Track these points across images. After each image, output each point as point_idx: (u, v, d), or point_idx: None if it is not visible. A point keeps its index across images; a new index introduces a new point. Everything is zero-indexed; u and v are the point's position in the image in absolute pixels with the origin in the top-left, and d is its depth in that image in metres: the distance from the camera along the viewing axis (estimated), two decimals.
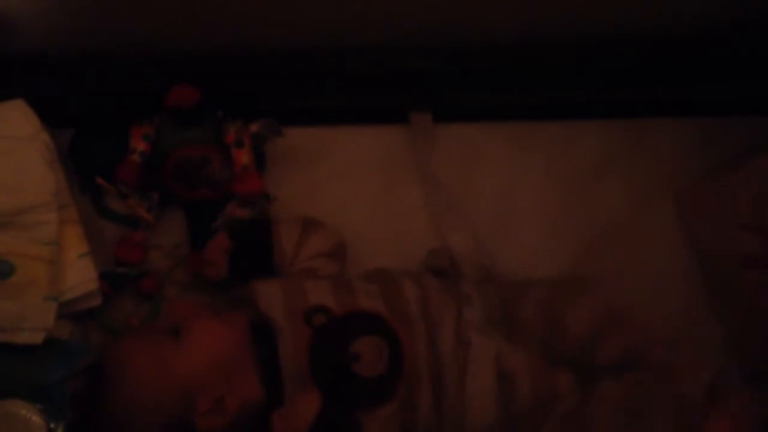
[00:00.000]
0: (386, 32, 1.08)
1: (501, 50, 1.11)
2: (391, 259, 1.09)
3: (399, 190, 1.16)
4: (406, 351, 0.94)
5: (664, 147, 1.18)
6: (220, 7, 1.02)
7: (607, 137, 1.19)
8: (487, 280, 1.05)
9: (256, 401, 0.93)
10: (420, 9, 1.04)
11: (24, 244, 0.97)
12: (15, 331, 0.93)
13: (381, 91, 1.16)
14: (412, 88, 1.16)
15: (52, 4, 1.00)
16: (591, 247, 1.14)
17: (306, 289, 0.98)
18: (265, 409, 0.92)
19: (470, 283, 1.03)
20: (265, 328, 0.96)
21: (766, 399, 0.97)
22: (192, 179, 1.07)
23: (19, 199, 0.98)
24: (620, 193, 1.17)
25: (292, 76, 1.12)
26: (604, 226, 1.16)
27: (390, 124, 1.18)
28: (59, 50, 1.06)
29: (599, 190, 1.17)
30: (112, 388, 0.92)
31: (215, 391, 0.91)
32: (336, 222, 1.08)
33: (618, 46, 1.10)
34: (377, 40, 1.09)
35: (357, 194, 1.15)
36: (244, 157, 1.08)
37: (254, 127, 1.09)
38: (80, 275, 1.00)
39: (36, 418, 0.90)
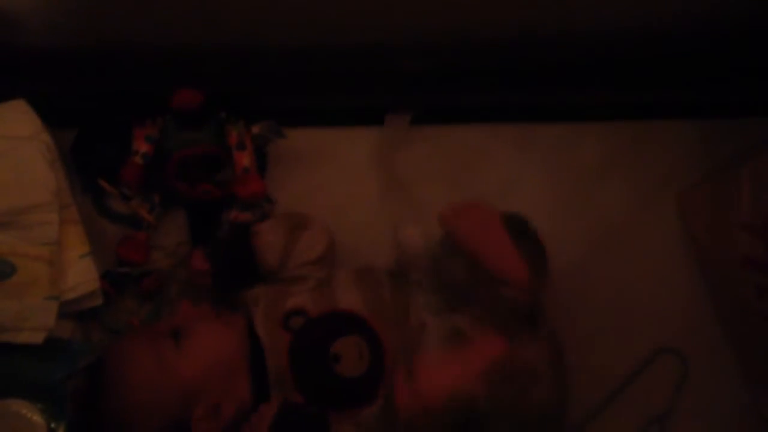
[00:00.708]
0: (388, 33, 1.08)
1: (502, 51, 1.11)
2: (390, 259, 1.08)
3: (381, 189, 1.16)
4: (387, 350, 0.94)
5: (665, 149, 1.19)
6: (222, 7, 1.02)
7: (608, 139, 1.19)
8: (438, 269, 1.04)
9: (248, 405, 0.93)
10: (428, 8, 1.04)
11: (25, 245, 0.97)
12: (16, 331, 0.93)
13: (382, 93, 1.16)
14: (410, 88, 1.16)
15: (54, 3, 1.00)
16: (592, 248, 1.14)
17: (286, 293, 0.98)
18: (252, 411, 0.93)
19: (420, 271, 1.02)
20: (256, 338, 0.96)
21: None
22: (197, 176, 1.08)
23: (19, 199, 0.98)
24: (621, 194, 1.18)
25: (294, 78, 1.13)
26: (605, 227, 1.16)
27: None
28: (61, 49, 1.06)
29: (600, 192, 1.18)
30: (112, 388, 0.93)
31: (212, 397, 0.92)
32: (336, 223, 1.07)
33: (619, 48, 1.10)
34: (380, 40, 1.09)
35: (358, 195, 1.15)
36: (245, 159, 1.08)
37: (256, 129, 1.09)
38: (81, 275, 1.00)
39: (37, 418, 0.89)
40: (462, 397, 0.90)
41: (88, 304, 1.01)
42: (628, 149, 1.19)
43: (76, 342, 1.00)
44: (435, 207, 1.13)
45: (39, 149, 1.01)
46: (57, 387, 0.91)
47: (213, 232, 1.09)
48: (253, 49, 1.08)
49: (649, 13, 1.06)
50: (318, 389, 0.93)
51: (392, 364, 0.94)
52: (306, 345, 0.94)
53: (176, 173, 1.07)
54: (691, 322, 1.14)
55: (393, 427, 0.94)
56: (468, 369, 0.91)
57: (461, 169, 1.18)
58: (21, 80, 1.07)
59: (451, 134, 1.19)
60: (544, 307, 0.99)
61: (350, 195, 1.15)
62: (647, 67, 1.13)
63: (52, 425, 0.90)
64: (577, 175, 1.18)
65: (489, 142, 1.19)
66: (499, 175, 1.18)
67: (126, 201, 1.08)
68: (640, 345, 1.13)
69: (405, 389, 0.91)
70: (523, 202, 1.15)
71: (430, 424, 0.91)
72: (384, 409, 0.93)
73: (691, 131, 1.19)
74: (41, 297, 0.96)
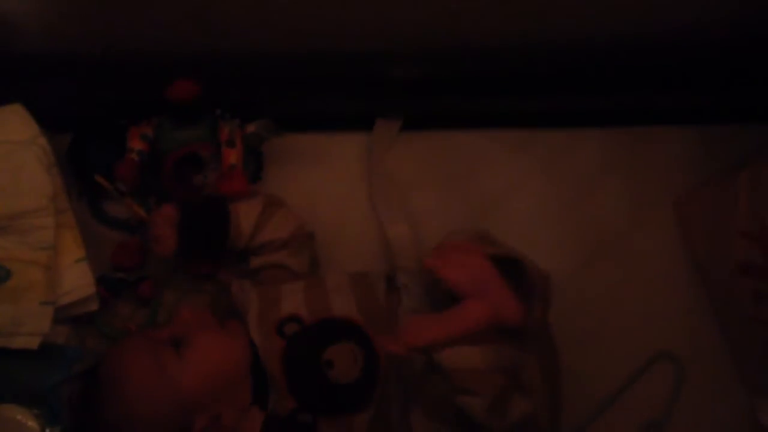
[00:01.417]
0: (385, 39, 1.08)
1: (499, 58, 1.11)
2: (383, 262, 1.09)
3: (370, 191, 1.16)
4: (382, 356, 0.94)
5: (663, 154, 1.19)
6: (218, 13, 1.02)
7: (606, 145, 1.19)
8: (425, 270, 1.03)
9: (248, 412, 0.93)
10: (424, 16, 1.04)
11: (20, 249, 0.97)
12: (11, 336, 0.93)
13: (379, 98, 1.16)
14: (408, 94, 1.15)
15: (51, 8, 1.00)
16: (590, 254, 1.14)
17: (280, 297, 0.98)
18: None
19: (407, 274, 1.02)
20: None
21: None
22: (191, 179, 1.07)
23: (15, 204, 0.98)
24: (619, 200, 1.17)
25: (290, 82, 1.12)
26: (603, 232, 1.16)
27: None
28: (58, 54, 1.06)
29: (598, 197, 1.17)
30: (109, 396, 0.91)
31: (213, 409, 0.91)
32: (332, 226, 1.08)
33: (617, 53, 1.10)
34: (376, 46, 1.09)
35: (349, 199, 1.15)
36: (232, 156, 1.07)
37: (251, 127, 1.08)
38: (77, 280, 1.00)
39: (32, 423, 0.89)
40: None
41: (84, 309, 1.01)
42: (626, 155, 1.19)
43: (71, 347, 0.99)
44: (431, 213, 1.15)
45: (36, 154, 1.01)
46: (52, 392, 0.91)
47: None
48: (247, 55, 1.08)
49: (647, 20, 1.06)
50: (311, 395, 0.93)
51: (386, 370, 0.93)
52: (299, 351, 0.93)
53: (172, 177, 1.07)
54: (688, 327, 1.13)
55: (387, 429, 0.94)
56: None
57: (458, 175, 1.18)
58: (17, 85, 1.06)
59: (448, 140, 1.19)
60: (537, 327, 0.97)
61: (342, 199, 1.15)
62: (645, 73, 1.13)
63: (48, 430, 0.89)
64: (574, 181, 1.18)
65: (486, 148, 1.18)
66: (497, 181, 1.18)
67: (120, 198, 1.07)
68: (637, 350, 1.12)
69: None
70: (520, 208, 1.16)
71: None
72: (376, 417, 0.93)
73: (689, 137, 1.19)
74: (37, 302, 0.95)
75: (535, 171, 1.18)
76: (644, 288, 1.14)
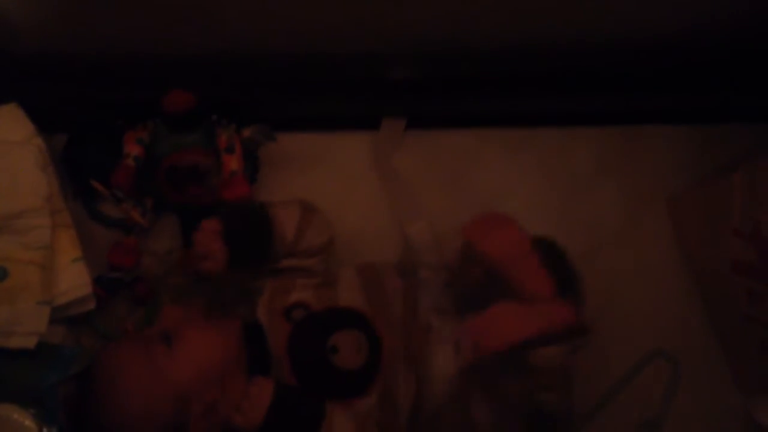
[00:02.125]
0: (381, 40, 1.09)
1: (495, 57, 1.11)
2: (387, 259, 1.09)
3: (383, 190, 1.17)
4: (386, 345, 0.95)
5: (657, 154, 1.19)
6: (215, 14, 1.02)
7: (601, 144, 1.20)
8: (446, 267, 1.05)
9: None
10: (422, 17, 1.04)
11: (17, 249, 0.97)
12: (8, 336, 0.93)
13: (375, 99, 1.16)
14: (406, 94, 1.16)
15: (46, 9, 1.00)
16: (584, 252, 1.14)
17: (291, 287, 0.99)
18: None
19: (428, 270, 1.03)
20: (257, 327, 0.97)
21: None
22: (186, 184, 1.07)
23: (11, 204, 0.98)
24: (613, 199, 1.18)
25: (286, 83, 1.12)
26: (597, 232, 1.16)
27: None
28: (53, 55, 1.06)
29: (592, 197, 1.18)
30: (104, 395, 0.92)
31: (208, 396, 0.91)
32: (335, 225, 1.08)
33: (611, 53, 1.11)
34: (371, 47, 1.09)
35: (350, 200, 1.16)
36: (233, 162, 1.08)
37: (247, 132, 1.09)
38: (73, 280, 1.00)
39: (29, 423, 0.89)
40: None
41: (81, 308, 1.01)
42: (620, 154, 1.19)
43: (68, 347, 0.99)
44: (428, 211, 1.14)
45: (31, 153, 1.00)
46: (49, 392, 0.91)
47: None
48: (246, 56, 1.08)
49: (642, 21, 1.06)
50: (314, 378, 0.94)
51: (390, 359, 0.95)
52: (306, 335, 0.95)
53: (167, 181, 1.07)
54: (682, 326, 1.14)
55: (392, 418, 0.95)
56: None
57: (454, 173, 1.18)
58: (12, 85, 1.06)
59: (444, 139, 1.19)
60: None
61: (343, 199, 1.15)
62: (640, 73, 1.13)
63: (44, 430, 0.89)
64: (569, 180, 1.18)
65: (481, 147, 1.19)
66: (492, 180, 1.18)
67: (118, 203, 1.07)
68: (632, 349, 1.13)
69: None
70: (515, 207, 1.16)
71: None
72: (379, 405, 0.94)
73: (683, 137, 1.19)
74: (33, 301, 0.95)
75: (530, 170, 1.18)
76: (638, 287, 1.15)
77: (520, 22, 1.06)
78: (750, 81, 1.13)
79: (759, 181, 1.03)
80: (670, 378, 1.13)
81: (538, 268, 0.93)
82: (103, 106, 1.11)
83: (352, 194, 1.16)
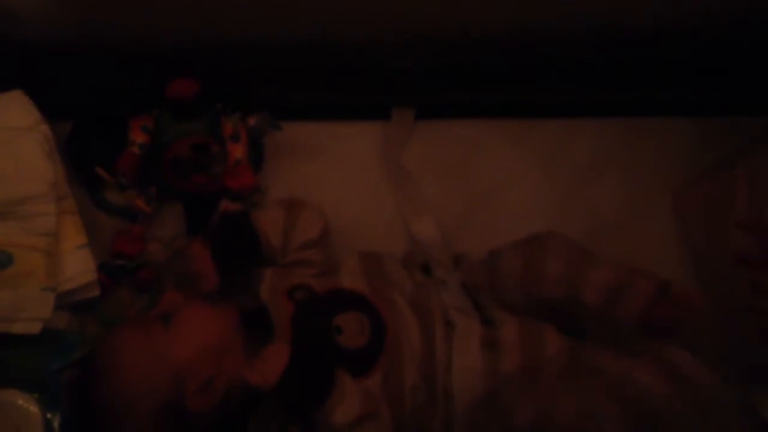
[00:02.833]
0: (385, 28, 1.09)
1: (498, 47, 1.11)
2: (386, 252, 1.08)
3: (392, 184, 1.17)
4: (389, 327, 0.96)
5: (661, 146, 1.19)
6: (221, 1, 1.02)
7: (604, 136, 1.20)
8: (458, 264, 1.07)
9: (244, 382, 0.93)
10: (426, 5, 1.04)
11: (22, 235, 0.98)
12: (12, 321, 0.93)
13: (378, 88, 1.16)
14: (408, 84, 1.16)
15: None
16: (587, 244, 1.14)
17: (293, 273, 1.01)
18: (253, 390, 0.93)
19: (443, 269, 1.05)
20: (259, 316, 0.98)
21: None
22: (190, 171, 1.07)
23: (17, 190, 0.98)
24: (616, 191, 1.18)
25: (290, 71, 1.13)
26: (600, 223, 1.16)
27: (386, 120, 1.19)
28: (58, 42, 1.06)
29: (595, 188, 1.18)
30: (104, 376, 0.93)
31: (204, 372, 0.92)
32: (332, 215, 1.08)
33: (615, 45, 1.11)
34: (377, 36, 1.09)
35: (353, 188, 1.16)
36: (238, 151, 1.08)
37: (252, 121, 1.09)
38: (78, 266, 1.00)
39: (33, 408, 0.89)
40: None
41: (85, 295, 1.01)
42: (624, 146, 1.19)
43: (72, 333, 1.00)
44: (430, 202, 1.14)
45: (37, 140, 1.01)
46: (53, 378, 0.91)
47: (209, 223, 1.09)
48: (250, 43, 1.08)
49: (645, 11, 1.06)
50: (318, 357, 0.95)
51: (393, 341, 0.96)
52: (309, 316, 0.96)
53: (170, 166, 1.07)
54: None
55: (398, 397, 0.95)
56: None
57: (456, 164, 1.18)
58: (17, 73, 1.06)
59: (447, 130, 1.20)
60: None
61: (347, 188, 1.16)
62: (644, 64, 1.14)
63: (48, 415, 0.90)
64: (571, 172, 1.18)
65: (484, 138, 1.19)
66: (495, 171, 1.18)
67: (122, 191, 1.07)
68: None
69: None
70: (518, 198, 1.17)
71: None
72: (383, 385, 0.95)
73: (687, 129, 1.19)
74: (38, 287, 0.96)
75: (532, 161, 1.18)
76: None
77: (520, 11, 1.06)
78: (754, 73, 1.13)
79: (762, 174, 1.03)
80: None
81: None
82: (108, 94, 1.11)
83: (356, 184, 1.16)
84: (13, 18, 1.03)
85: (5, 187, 0.98)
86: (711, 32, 1.09)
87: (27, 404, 0.90)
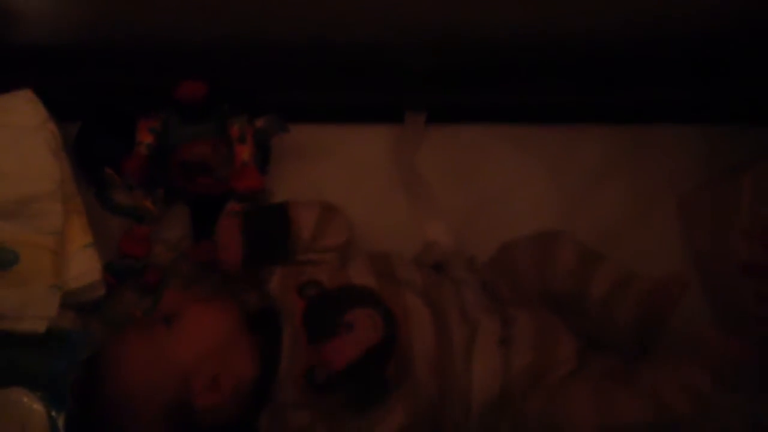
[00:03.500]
0: (394, 31, 1.09)
1: (504, 52, 1.11)
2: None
3: (401, 186, 1.17)
4: (400, 323, 0.96)
5: (666, 153, 1.19)
6: (229, 1, 1.02)
7: (610, 142, 1.19)
8: (472, 265, 1.08)
9: (251, 380, 0.94)
10: (433, 7, 1.04)
11: (28, 233, 0.98)
12: (18, 320, 0.93)
13: (386, 90, 1.16)
14: (414, 87, 1.16)
15: None
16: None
17: (303, 271, 1.01)
18: (259, 387, 0.94)
19: (460, 270, 1.05)
20: (266, 314, 0.98)
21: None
22: (197, 173, 1.08)
23: (24, 189, 0.98)
24: (622, 198, 1.18)
25: (298, 73, 1.13)
26: (605, 229, 1.16)
27: (394, 123, 1.19)
28: (65, 42, 1.06)
29: (601, 195, 1.18)
30: (108, 378, 0.93)
31: (210, 370, 0.93)
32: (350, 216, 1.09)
33: (623, 50, 1.10)
34: (386, 38, 1.09)
35: (361, 190, 1.16)
36: (244, 153, 1.08)
37: (259, 123, 1.09)
38: (84, 265, 1.00)
39: (37, 407, 0.89)
40: None
41: (91, 294, 1.01)
42: (632, 153, 1.19)
43: (78, 332, 0.99)
44: (439, 206, 1.15)
45: (45, 139, 1.01)
46: (58, 377, 0.91)
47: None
48: (260, 45, 1.08)
49: (654, 17, 1.06)
50: None
51: (404, 338, 0.96)
52: (320, 312, 0.96)
53: (177, 168, 1.07)
54: (688, 326, 1.13)
55: (412, 395, 0.95)
56: None
57: (463, 168, 1.18)
58: (25, 74, 1.07)
59: (452, 134, 1.19)
60: None
61: (354, 191, 1.15)
62: (651, 71, 1.13)
63: (53, 414, 0.90)
64: (580, 177, 1.18)
65: (491, 143, 1.19)
66: (500, 176, 1.18)
67: (129, 191, 1.08)
68: None
69: None
70: (524, 203, 1.17)
71: None
72: (398, 378, 0.95)
73: (693, 136, 1.19)
74: (44, 286, 0.95)
75: (539, 167, 1.18)
76: None
77: (527, 15, 1.06)
78: (763, 81, 1.13)
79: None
80: None
81: None
82: (116, 95, 1.11)
83: (363, 187, 1.16)
84: (20, 19, 1.03)
85: (12, 185, 0.98)
86: (721, 40, 1.08)
87: (32, 402, 0.89)
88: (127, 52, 1.08)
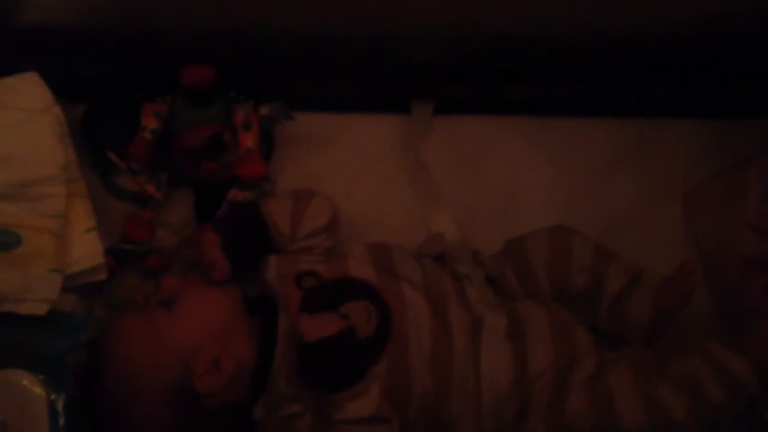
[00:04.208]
0: (399, 22, 1.08)
1: (513, 45, 1.11)
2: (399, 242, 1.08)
3: (405, 177, 1.17)
4: (395, 316, 0.96)
5: (673, 147, 1.19)
6: None
7: (616, 136, 1.19)
8: (477, 259, 1.07)
9: (251, 363, 0.94)
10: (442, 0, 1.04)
11: (31, 216, 0.97)
12: (20, 302, 0.93)
13: (390, 81, 1.16)
14: (421, 78, 1.16)
15: None
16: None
17: (299, 260, 1.01)
18: (257, 372, 0.94)
19: (465, 264, 1.05)
20: (264, 301, 0.98)
21: None
22: (201, 158, 1.07)
23: (27, 171, 0.98)
24: (628, 192, 1.18)
25: (302, 62, 1.12)
26: (610, 223, 1.16)
27: (398, 113, 1.19)
28: (72, 26, 1.05)
29: (607, 189, 1.18)
30: (109, 361, 0.94)
31: (210, 353, 0.93)
32: (342, 207, 1.08)
33: (630, 45, 1.10)
34: (390, 29, 1.09)
35: (364, 180, 1.16)
36: (249, 140, 1.08)
37: (264, 110, 1.09)
38: (86, 249, 1.00)
39: (37, 389, 0.89)
40: None
41: (92, 278, 1.01)
42: (636, 146, 1.19)
43: (79, 316, 0.99)
44: (445, 198, 1.15)
45: (49, 122, 1.00)
46: (58, 359, 0.91)
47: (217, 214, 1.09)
48: (266, 33, 1.08)
49: (662, 11, 1.06)
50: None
51: (398, 331, 0.96)
52: (317, 304, 0.96)
53: (181, 153, 1.07)
54: (694, 321, 1.13)
55: (403, 388, 0.95)
56: None
57: (469, 160, 1.18)
58: (31, 57, 1.06)
59: (460, 126, 1.19)
60: None
61: (357, 180, 1.15)
62: (658, 65, 1.13)
63: (53, 397, 0.89)
64: (585, 170, 1.18)
65: (496, 135, 1.19)
66: (507, 168, 1.18)
67: (133, 176, 1.07)
68: None
69: None
70: (529, 195, 1.17)
71: None
72: (388, 371, 0.94)
73: (699, 131, 1.19)
74: (46, 269, 0.95)
75: (545, 159, 1.18)
76: None
77: (536, 9, 1.06)
78: None
79: None
80: None
81: None
82: (122, 79, 1.11)
83: (368, 176, 1.16)
84: (29, 2, 1.02)
85: (16, 168, 0.97)
86: (727, 34, 1.08)
87: (31, 385, 0.89)
88: (136, 38, 1.07)
